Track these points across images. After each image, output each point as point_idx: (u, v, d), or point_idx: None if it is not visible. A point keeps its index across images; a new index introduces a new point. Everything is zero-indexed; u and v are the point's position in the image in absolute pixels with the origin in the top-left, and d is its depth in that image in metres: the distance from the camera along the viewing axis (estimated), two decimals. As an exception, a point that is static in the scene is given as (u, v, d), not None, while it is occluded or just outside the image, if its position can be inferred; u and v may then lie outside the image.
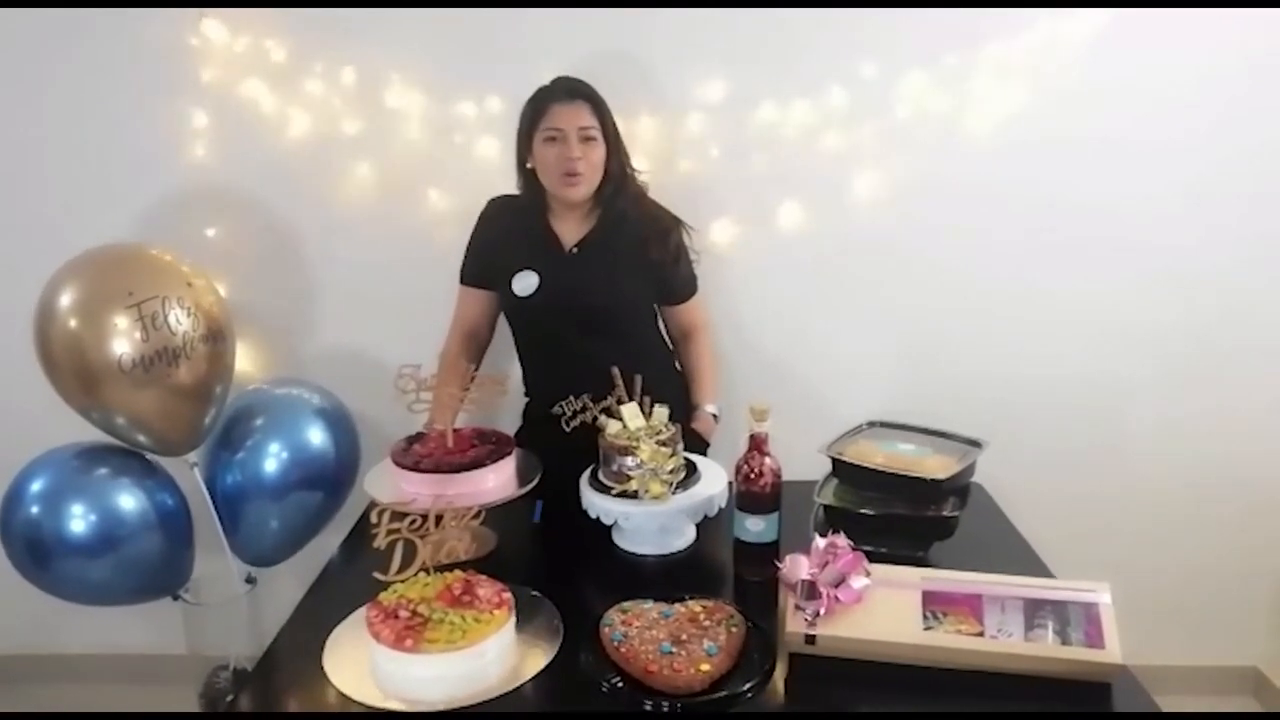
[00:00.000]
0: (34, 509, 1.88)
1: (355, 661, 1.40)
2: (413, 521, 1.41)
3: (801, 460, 1.72)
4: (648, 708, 1.29)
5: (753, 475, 1.60)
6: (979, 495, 1.92)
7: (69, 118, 2.40)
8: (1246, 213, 2.37)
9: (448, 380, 1.87)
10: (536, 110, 2.01)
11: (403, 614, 1.35)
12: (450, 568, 1.45)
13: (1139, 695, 1.33)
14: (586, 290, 2.05)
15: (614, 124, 2.04)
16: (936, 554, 1.67)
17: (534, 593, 1.57)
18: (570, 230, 2.10)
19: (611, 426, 1.76)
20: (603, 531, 1.78)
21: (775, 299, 2.49)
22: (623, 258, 2.08)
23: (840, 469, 1.76)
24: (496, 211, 2.16)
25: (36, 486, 1.90)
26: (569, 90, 2.01)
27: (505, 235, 2.12)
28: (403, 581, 1.40)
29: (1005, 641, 1.35)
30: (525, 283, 2.06)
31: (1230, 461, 2.52)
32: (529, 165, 2.05)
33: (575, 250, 2.09)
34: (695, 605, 1.45)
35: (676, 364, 2.26)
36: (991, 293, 2.46)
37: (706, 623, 1.40)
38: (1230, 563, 2.59)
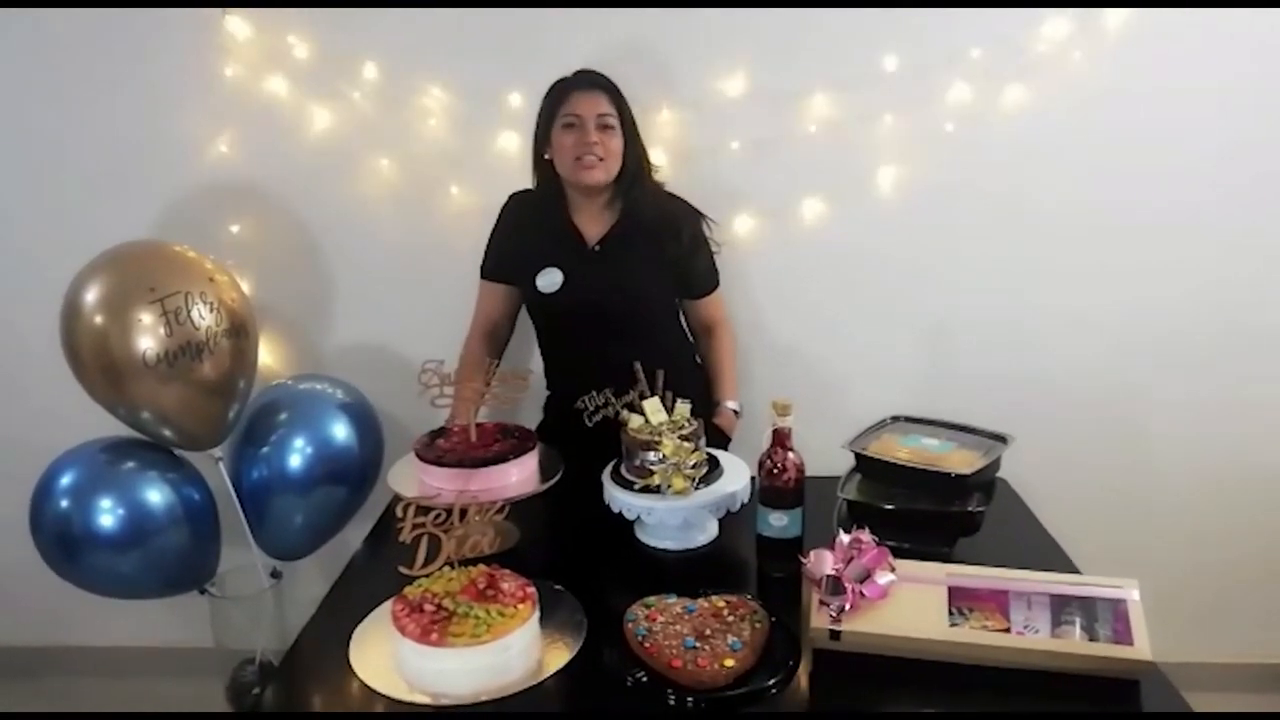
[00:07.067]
0: (63, 503, 1.90)
1: (381, 655, 1.40)
2: (437, 516, 1.42)
3: (824, 455, 1.71)
4: (671, 703, 1.29)
5: (775, 470, 1.60)
6: (1004, 490, 1.91)
7: (93, 115, 2.42)
8: (1271, 208, 2.35)
9: (470, 375, 1.88)
10: (555, 99, 2.02)
11: (428, 608, 1.35)
12: (474, 562, 1.45)
13: (1168, 693, 1.32)
14: (610, 287, 2.05)
15: (632, 116, 2.04)
16: (961, 549, 1.65)
17: (557, 587, 1.57)
18: (592, 225, 2.10)
19: (634, 421, 1.75)
20: (625, 526, 1.78)
21: (798, 294, 2.48)
22: (644, 253, 2.08)
23: (864, 464, 1.76)
24: (517, 207, 2.16)
25: (65, 481, 1.92)
26: (587, 80, 2.02)
27: (527, 231, 2.12)
28: (427, 576, 1.41)
29: (1032, 638, 1.34)
30: (550, 279, 2.06)
31: (1258, 455, 2.50)
32: (547, 156, 2.05)
33: (598, 247, 2.09)
34: (718, 600, 1.45)
35: (697, 359, 2.26)
36: (1015, 287, 2.44)
37: (730, 618, 1.40)
38: (1261, 558, 2.56)
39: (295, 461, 2.05)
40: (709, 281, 2.22)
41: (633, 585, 1.52)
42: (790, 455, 1.60)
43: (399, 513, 1.41)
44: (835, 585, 1.39)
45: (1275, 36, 2.24)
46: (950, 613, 1.38)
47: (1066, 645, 1.32)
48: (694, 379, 2.19)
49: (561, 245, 2.09)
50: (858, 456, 1.76)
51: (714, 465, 1.78)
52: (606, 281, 2.06)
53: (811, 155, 2.37)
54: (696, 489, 1.69)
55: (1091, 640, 1.33)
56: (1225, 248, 2.38)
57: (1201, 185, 2.34)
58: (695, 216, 2.16)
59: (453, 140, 2.40)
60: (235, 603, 2.09)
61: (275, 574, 2.12)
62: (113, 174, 2.45)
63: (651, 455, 1.69)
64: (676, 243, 2.11)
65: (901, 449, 1.75)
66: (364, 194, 2.45)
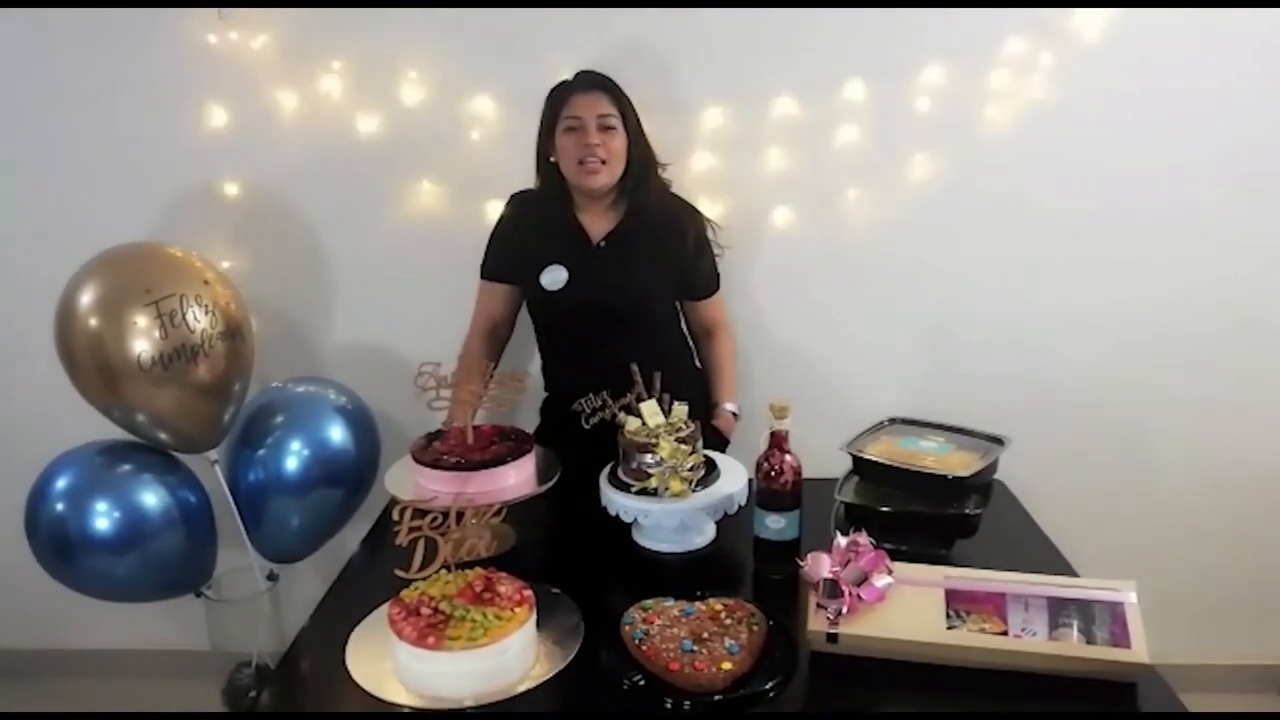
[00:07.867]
0: (59, 506, 1.90)
1: (377, 658, 1.40)
2: (434, 519, 1.41)
3: (822, 457, 1.71)
4: (668, 706, 1.28)
5: (773, 472, 1.59)
6: (1002, 493, 1.91)
7: (87, 117, 2.41)
8: (1271, 208, 2.34)
9: (468, 377, 1.87)
10: (557, 102, 2.02)
11: (424, 611, 1.35)
12: (471, 565, 1.45)
13: (1165, 695, 1.31)
14: (613, 285, 2.05)
15: (635, 116, 2.04)
16: (959, 552, 1.65)
17: (554, 590, 1.57)
18: (596, 224, 2.09)
19: (631, 423, 1.75)
20: (622, 529, 1.77)
21: (796, 296, 2.48)
22: (647, 252, 2.08)
23: (861, 466, 1.75)
24: (520, 206, 2.16)
25: (61, 484, 1.92)
26: (588, 81, 2.02)
27: (531, 229, 2.12)
28: (424, 579, 1.40)
29: (1029, 641, 1.34)
30: (554, 277, 2.05)
31: (1255, 457, 2.50)
32: (551, 159, 2.04)
33: (603, 244, 2.08)
34: (716, 603, 1.44)
35: (697, 361, 2.26)
36: (1015, 287, 2.44)
37: (728, 621, 1.40)
38: (1256, 560, 2.56)
39: (292, 464, 2.04)
40: (711, 283, 2.21)
41: (630, 588, 1.51)
42: (788, 458, 1.60)
43: (396, 515, 1.40)
44: (833, 588, 1.38)
45: (1275, 36, 2.24)
46: (948, 615, 1.38)
47: (1064, 648, 1.32)
48: (693, 382, 2.19)
49: (565, 243, 2.08)
50: (855, 459, 1.75)
51: (711, 467, 1.77)
52: (611, 278, 2.05)
53: (811, 156, 2.36)
54: (694, 491, 1.68)
55: (1089, 643, 1.32)
56: (1225, 247, 2.37)
57: (1201, 185, 2.33)
58: (699, 217, 2.16)
59: (452, 141, 2.39)
60: (231, 605, 2.08)
61: (272, 576, 2.12)
62: (110, 174, 2.44)
63: (649, 458, 1.68)
64: (681, 243, 2.10)
65: (899, 451, 1.75)
66: (360, 195, 2.44)
